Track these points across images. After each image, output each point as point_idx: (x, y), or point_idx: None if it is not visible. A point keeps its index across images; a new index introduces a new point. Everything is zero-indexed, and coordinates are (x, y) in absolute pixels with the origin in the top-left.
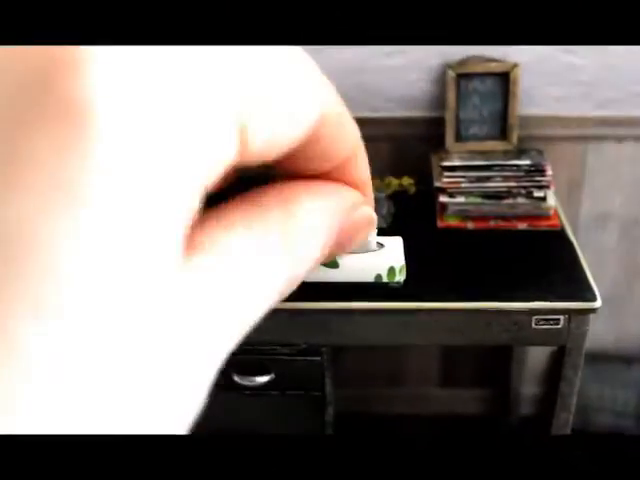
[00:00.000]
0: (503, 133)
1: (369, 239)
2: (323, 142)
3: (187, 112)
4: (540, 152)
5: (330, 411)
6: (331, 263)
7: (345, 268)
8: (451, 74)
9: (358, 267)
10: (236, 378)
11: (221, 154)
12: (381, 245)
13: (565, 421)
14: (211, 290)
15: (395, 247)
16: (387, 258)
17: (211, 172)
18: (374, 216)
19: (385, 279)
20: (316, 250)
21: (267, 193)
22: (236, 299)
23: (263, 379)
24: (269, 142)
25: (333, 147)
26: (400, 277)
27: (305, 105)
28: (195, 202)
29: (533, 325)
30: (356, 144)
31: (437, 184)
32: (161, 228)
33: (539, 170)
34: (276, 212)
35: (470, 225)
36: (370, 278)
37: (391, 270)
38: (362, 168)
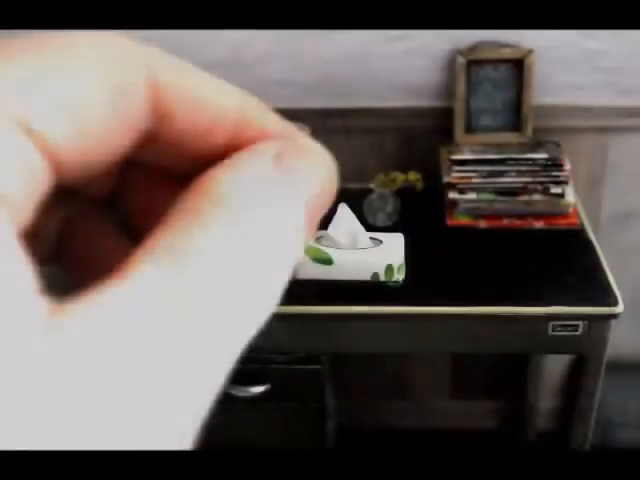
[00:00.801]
0: (517, 124)
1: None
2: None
3: None
4: (558, 145)
5: (331, 424)
6: (326, 260)
7: (340, 265)
8: (461, 61)
9: (354, 265)
10: (229, 388)
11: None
12: (379, 241)
13: (584, 436)
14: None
15: (394, 244)
16: (385, 256)
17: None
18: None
19: (382, 278)
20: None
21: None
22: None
23: (258, 389)
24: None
25: (193, 117)
26: (399, 276)
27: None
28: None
29: (550, 332)
30: (234, 103)
31: (446, 179)
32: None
33: (557, 164)
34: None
35: (482, 224)
36: (366, 276)
37: (389, 268)
38: (266, 118)
